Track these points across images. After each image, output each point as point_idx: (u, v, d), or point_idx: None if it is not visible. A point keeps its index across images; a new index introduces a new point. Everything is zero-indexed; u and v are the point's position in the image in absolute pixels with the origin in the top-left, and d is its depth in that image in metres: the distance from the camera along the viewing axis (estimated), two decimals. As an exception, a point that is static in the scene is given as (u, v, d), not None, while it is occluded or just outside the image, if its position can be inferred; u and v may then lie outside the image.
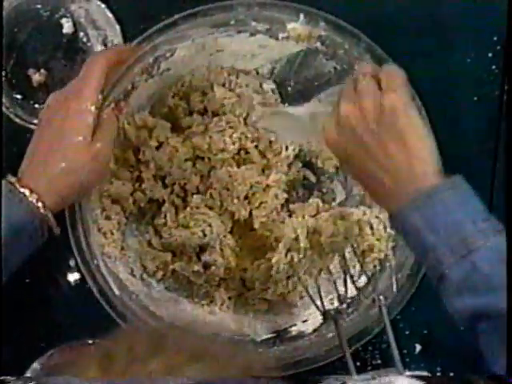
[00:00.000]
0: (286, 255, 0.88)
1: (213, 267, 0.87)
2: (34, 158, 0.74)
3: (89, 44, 0.89)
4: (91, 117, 0.73)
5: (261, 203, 0.89)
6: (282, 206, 0.91)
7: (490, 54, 0.90)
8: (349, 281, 0.87)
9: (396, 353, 0.81)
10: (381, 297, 0.84)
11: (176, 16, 0.81)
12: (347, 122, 0.71)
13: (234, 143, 0.89)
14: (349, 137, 0.71)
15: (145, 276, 0.89)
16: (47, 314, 0.90)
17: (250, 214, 0.89)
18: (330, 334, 0.85)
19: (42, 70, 0.88)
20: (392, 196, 0.69)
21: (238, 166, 0.90)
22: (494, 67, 0.90)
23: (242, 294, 0.90)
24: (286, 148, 0.91)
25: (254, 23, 0.84)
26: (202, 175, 0.89)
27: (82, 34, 0.89)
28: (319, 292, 0.87)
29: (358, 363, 0.89)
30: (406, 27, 0.89)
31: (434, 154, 0.70)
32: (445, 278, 0.65)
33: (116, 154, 0.85)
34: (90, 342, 0.85)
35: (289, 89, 0.92)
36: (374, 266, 0.88)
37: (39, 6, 0.88)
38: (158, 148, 0.88)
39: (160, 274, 0.89)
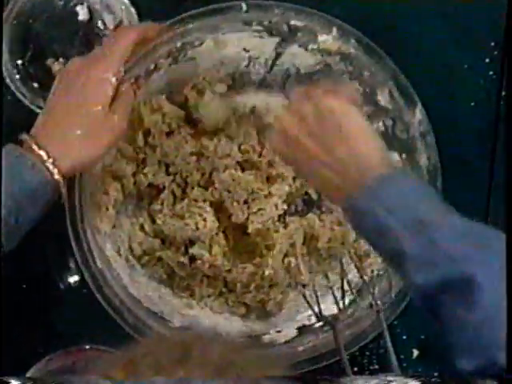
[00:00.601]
0: (282, 261, 0.88)
1: (198, 262, 0.87)
2: (50, 121, 0.73)
3: (105, 29, 0.88)
4: (111, 87, 0.73)
5: (259, 210, 0.88)
6: (279, 216, 0.90)
7: (487, 60, 0.90)
8: (346, 286, 0.88)
9: (393, 358, 0.81)
10: (378, 302, 0.84)
11: (211, 6, 0.81)
12: (288, 130, 0.73)
13: (241, 153, 0.89)
14: (292, 144, 0.73)
15: (130, 257, 0.88)
16: (45, 319, 0.90)
17: (247, 218, 0.89)
18: (301, 348, 0.85)
19: (61, 59, 0.88)
20: (342, 191, 0.70)
21: (243, 170, 0.89)
22: (491, 73, 0.90)
23: (223, 294, 0.90)
24: None
25: (286, 29, 0.83)
26: (203, 173, 0.89)
27: (97, 19, 0.88)
28: (317, 298, 0.87)
29: (356, 368, 0.89)
30: (404, 35, 0.89)
31: (379, 148, 0.70)
32: (404, 256, 0.64)
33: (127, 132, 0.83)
34: (87, 347, 0.85)
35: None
36: (372, 271, 0.88)
37: (53, -4, 0.88)
38: (168, 134, 0.87)
39: (145, 258, 0.88)
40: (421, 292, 0.65)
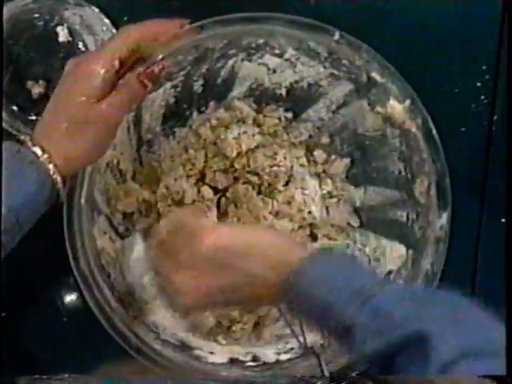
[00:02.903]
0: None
1: None
2: (44, 118, 0.71)
3: (86, 51, 0.87)
4: (99, 79, 0.70)
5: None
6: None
7: (478, 84, 0.89)
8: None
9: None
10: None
11: (253, 13, 0.78)
12: (194, 295, 0.72)
13: (268, 175, 0.88)
14: (205, 302, 0.73)
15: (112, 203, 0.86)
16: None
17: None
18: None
19: (41, 81, 0.87)
20: (272, 291, 0.69)
21: (259, 192, 0.88)
22: (482, 97, 0.89)
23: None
24: (309, 212, 0.89)
25: (365, 79, 0.81)
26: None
27: (78, 40, 0.87)
28: (301, 326, 0.85)
29: (342, 398, 0.88)
30: (394, 59, 0.84)
31: (287, 239, 0.71)
32: (349, 329, 0.63)
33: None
34: (66, 375, 0.84)
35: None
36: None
37: (33, 16, 0.86)
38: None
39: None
40: (372, 360, 0.63)
